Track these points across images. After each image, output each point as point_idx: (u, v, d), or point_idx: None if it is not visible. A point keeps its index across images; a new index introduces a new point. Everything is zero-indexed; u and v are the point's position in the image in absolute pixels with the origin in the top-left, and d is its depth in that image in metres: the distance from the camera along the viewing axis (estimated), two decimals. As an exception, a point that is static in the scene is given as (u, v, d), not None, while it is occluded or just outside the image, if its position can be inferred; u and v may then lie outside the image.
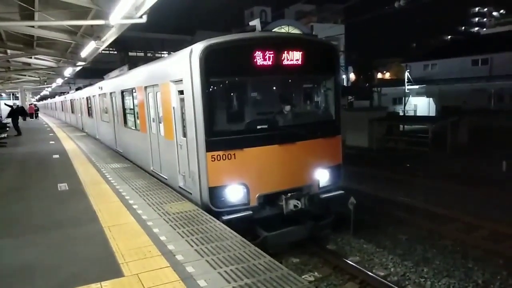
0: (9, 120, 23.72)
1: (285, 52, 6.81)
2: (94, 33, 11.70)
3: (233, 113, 6.96)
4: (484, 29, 72.99)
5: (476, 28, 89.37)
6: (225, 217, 6.34)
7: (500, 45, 33.39)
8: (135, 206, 6.81)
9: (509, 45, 32.02)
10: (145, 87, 9.25)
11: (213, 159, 6.41)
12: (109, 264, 4.54)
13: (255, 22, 7.29)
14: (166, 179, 8.60)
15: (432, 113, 34.09)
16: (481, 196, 10.94)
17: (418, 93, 36.05)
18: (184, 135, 7.25)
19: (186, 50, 6.67)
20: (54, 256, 4.91)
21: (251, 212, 6.65)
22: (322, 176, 7.49)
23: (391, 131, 21.66)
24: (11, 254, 5.04)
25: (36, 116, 44.64)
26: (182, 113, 7.23)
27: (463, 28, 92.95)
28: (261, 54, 6.57)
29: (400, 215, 9.59)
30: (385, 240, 8.31)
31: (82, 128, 22.90)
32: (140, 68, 10.15)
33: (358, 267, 6.96)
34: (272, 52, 6.66)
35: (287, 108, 7.25)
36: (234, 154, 6.51)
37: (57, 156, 13.15)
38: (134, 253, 4.80)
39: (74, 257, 4.80)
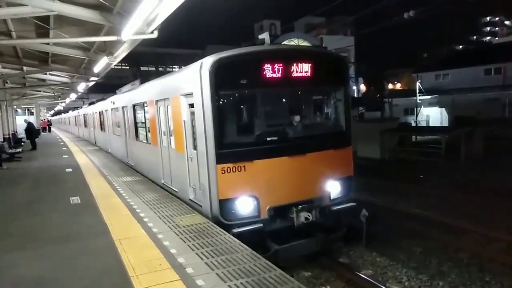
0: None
1: (294, 64, 6.82)
2: (107, 49, 11.97)
3: (243, 126, 6.95)
4: (496, 38, 72.34)
5: (488, 37, 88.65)
6: (236, 230, 6.25)
7: (513, 54, 32.95)
8: (145, 219, 6.83)
9: (522, 54, 31.60)
10: (156, 101, 9.33)
11: (223, 172, 6.38)
12: (120, 277, 4.54)
13: (264, 35, 7.35)
14: (176, 192, 8.59)
15: (445, 123, 33.63)
16: (497, 208, 10.67)
17: (430, 104, 35.70)
18: (195, 147, 7.24)
19: (196, 64, 6.73)
20: (66, 269, 4.95)
21: (261, 224, 6.55)
22: (333, 188, 7.40)
23: (403, 142, 21.41)
24: (24, 267, 5.09)
25: (49, 130, 46.33)
26: (193, 126, 7.24)
27: (474, 37, 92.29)
28: (270, 66, 6.60)
29: (413, 227, 9.39)
30: (398, 253, 8.14)
31: (95, 142, 23.22)
32: (151, 83, 10.28)
33: (372, 280, 6.81)
34: (281, 65, 6.68)
35: (297, 119, 7.24)
36: (244, 166, 6.48)
37: (70, 170, 13.34)
38: (145, 266, 4.80)
39: (86, 270, 4.83)
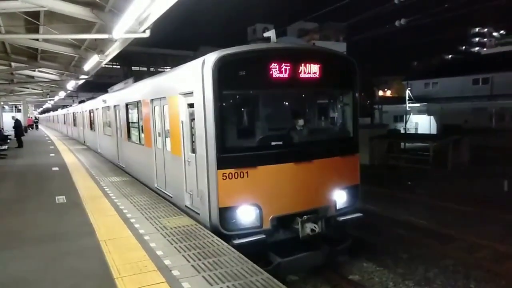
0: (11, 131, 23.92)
1: (302, 64, 6.43)
2: (98, 47, 11.85)
3: (247, 129, 6.54)
4: (485, 48, 73.70)
5: (477, 48, 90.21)
6: (236, 241, 5.83)
7: (501, 65, 33.67)
8: (132, 220, 6.74)
9: (510, 65, 32.26)
10: (152, 100, 8.92)
11: (224, 178, 5.93)
12: (104, 278, 4.46)
13: (270, 33, 6.92)
14: (171, 197, 8.14)
15: (433, 131, 34.12)
16: (483, 215, 10.80)
17: (419, 111, 36.17)
18: (193, 150, 6.84)
19: (198, 61, 6.29)
20: (48, 269, 4.84)
21: (263, 235, 6.08)
22: (339, 197, 6.98)
23: (392, 149, 21.61)
24: (4, 267, 4.96)
25: (37, 128, 46.09)
26: (192, 128, 6.86)
27: (463, 47, 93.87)
28: (278, 66, 6.20)
29: (401, 234, 9.45)
30: (385, 259, 8.16)
31: (84, 142, 22.85)
32: (147, 81, 9.90)
33: (360, 284, 6.82)
34: (288, 65, 6.28)
35: (304, 123, 6.86)
36: (247, 172, 6.04)
37: (56, 168, 13.13)
38: (130, 267, 4.72)
39: (69, 271, 4.72)
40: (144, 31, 8.62)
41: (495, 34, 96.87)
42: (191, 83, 6.52)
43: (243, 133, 6.47)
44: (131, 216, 7.00)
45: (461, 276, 7.33)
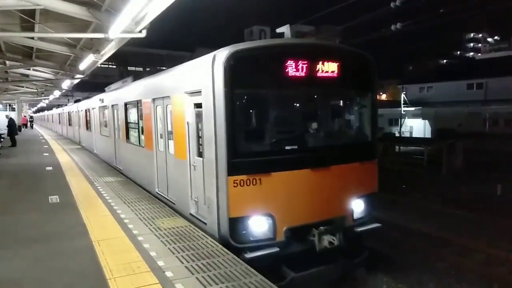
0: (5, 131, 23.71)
1: (321, 62, 5.97)
2: (93, 46, 11.81)
3: (261, 131, 6.05)
4: (479, 54, 74.38)
5: (471, 53, 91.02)
6: (248, 255, 5.35)
7: (495, 70, 34.01)
8: (126, 221, 6.70)
9: (504, 70, 32.60)
10: (153, 100, 8.44)
11: (235, 185, 5.41)
12: (96, 279, 4.42)
13: (285, 29, 6.44)
14: (174, 203, 7.62)
15: (428, 135, 34.35)
16: (476, 219, 10.86)
17: (414, 115, 36.42)
18: (200, 154, 6.34)
19: (207, 57, 5.80)
20: (40, 269, 4.79)
21: (277, 248, 5.56)
22: (356, 206, 6.49)
23: (387, 152, 21.70)
24: (-5, 267, 4.91)
25: (31, 127, 45.96)
26: (199, 129, 6.37)
27: (458, 52, 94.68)
28: (294, 63, 5.73)
29: (396, 237, 9.47)
30: (378, 262, 8.16)
31: (79, 142, 22.49)
32: (148, 79, 9.37)
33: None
34: (306, 62, 5.81)
35: (321, 127, 6.46)
36: (260, 179, 5.53)
37: (50, 168, 13.03)
38: (123, 268, 4.69)
39: (61, 272, 4.68)
40: (140, 31, 8.60)
41: (489, 39, 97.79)
42: (199, 81, 6.07)
43: (257, 136, 5.98)
44: (125, 216, 6.96)
45: (453, 280, 7.34)
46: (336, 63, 6.11)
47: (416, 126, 37.30)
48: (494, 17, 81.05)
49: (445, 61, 75.10)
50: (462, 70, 39.67)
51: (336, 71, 6.12)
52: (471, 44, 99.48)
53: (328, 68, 6.04)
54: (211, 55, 5.67)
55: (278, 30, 6.58)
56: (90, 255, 5.14)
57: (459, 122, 30.38)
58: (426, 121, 36.05)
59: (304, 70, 5.82)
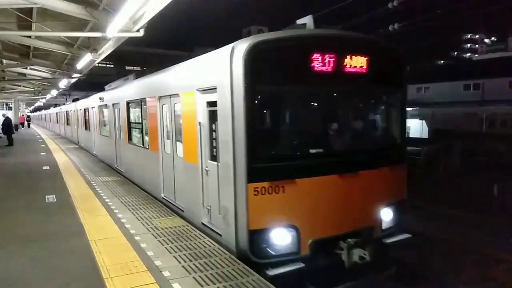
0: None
1: (349, 56, 5.40)
2: (91, 45, 11.76)
3: (285, 133, 5.56)
4: (476, 55, 74.66)
5: (468, 54, 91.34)
6: (271, 272, 4.77)
7: (492, 71, 34.14)
8: (123, 220, 6.69)
9: (501, 71, 32.73)
10: (159, 98, 7.89)
11: (256, 193, 4.85)
12: (93, 278, 4.41)
13: (307, 20, 5.80)
14: (182, 211, 7.07)
15: (425, 135, 34.43)
16: (473, 219, 10.89)
17: (411, 115, 36.43)
18: (214, 158, 5.82)
19: (224, 49, 5.22)
20: (37, 269, 4.77)
21: (302, 264, 4.98)
22: (385, 215, 5.90)
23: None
24: (-9, 266, 4.88)
25: (28, 126, 46.19)
26: (213, 131, 5.83)
27: (455, 53, 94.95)
28: (321, 57, 5.16)
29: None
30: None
31: (78, 142, 22.15)
32: (153, 76, 8.79)
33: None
34: (333, 56, 5.24)
35: (350, 128, 5.97)
36: (283, 187, 4.97)
37: (47, 167, 12.99)
38: (120, 268, 4.68)
39: (57, 271, 4.66)
40: (138, 30, 8.56)
41: (486, 40, 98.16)
42: (213, 76, 5.51)
43: (280, 139, 5.49)
44: (122, 216, 6.94)
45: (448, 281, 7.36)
46: (365, 57, 5.55)
47: (414, 127, 37.32)
48: (491, 18, 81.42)
49: (442, 61, 75.26)
50: (459, 71, 39.80)
51: (365, 66, 5.56)
52: (468, 45, 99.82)
53: (357, 63, 5.49)
54: (228, 47, 5.11)
55: (299, 21, 5.91)
56: (86, 255, 5.13)
57: (456, 122, 30.46)
58: (424, 121, 36.13)
59: (332, 65, 5.26)
